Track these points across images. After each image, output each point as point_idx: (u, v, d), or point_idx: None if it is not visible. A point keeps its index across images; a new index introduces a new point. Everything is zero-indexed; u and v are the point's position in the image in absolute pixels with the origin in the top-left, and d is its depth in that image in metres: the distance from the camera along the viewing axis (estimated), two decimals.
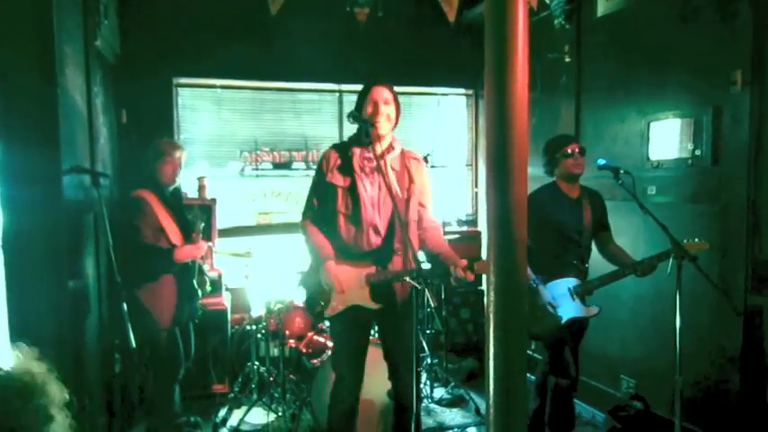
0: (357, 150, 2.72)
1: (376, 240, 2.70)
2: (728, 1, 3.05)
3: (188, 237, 3.26)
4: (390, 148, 2.76)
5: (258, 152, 5.04)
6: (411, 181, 2.76)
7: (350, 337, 2.81)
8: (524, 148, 1.53)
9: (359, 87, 5.14)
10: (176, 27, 4.58)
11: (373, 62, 4.98)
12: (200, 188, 4.61)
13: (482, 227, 5.67)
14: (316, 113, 5.18)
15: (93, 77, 3.54)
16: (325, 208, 2.77)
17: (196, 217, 3.27)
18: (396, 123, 2.76)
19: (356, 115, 2.68)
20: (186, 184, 4.72)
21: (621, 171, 2.81)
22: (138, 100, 4.51)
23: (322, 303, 2.75)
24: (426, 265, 2.75)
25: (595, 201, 3.21)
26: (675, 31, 3.37)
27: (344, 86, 5.19)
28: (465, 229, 5.40)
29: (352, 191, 2.70)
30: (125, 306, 2.84)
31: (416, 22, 5.12)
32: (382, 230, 2.72)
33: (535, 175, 3.11)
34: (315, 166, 5.00)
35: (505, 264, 1.51)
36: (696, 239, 2.81)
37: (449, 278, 2.63)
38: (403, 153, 2.80)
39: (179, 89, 4.83)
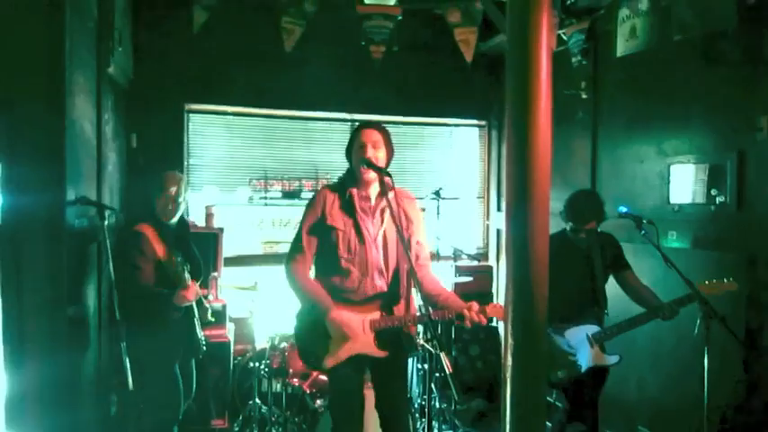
0: (355, 191, 2.61)
1: (380, 285, 2.60)
2: (753, 46, 2.97)
3: (191, 273, 3.17)
4: (386, 188, 2.60)
5: (267, 180, 4.98)
6: (409, 220, 2.66)
7: (350, 389, 2.64)
8: (546, 187, 1.43)
9: (371, 117, 5.18)
10: (190, 53, 4.56)
11: (386, 92, 4.94)
12: (208, 216, 4.54)
13: (493, 260, 5.56)
14: (326, 142, 5.12)
15: (104, 104, 3.51)
16: (325, 252, 2.61)
17: (180, 263, 3.10)
18: (387, 165, 2.63)
19: (347, 156, 2.66)
20: (194, 211, 4.67)
21: (644, 221, 2.71)
22: (149, 125, 4.48)
23: (321, 355, 2.57)
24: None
25: (606, 244, 3.12)
26: (698, 73, 3.30)
27: (356, 116, 5.15)
28: (476, 263, 5.27)
29: (357, 233, 2.57)
30: (124, 345, 2.75)
31: (429, 53, 5.08)
32: (387, 274, 2.61)
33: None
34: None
35: (525, 304, 1.42)
36: (725, 280, 2.68)
37: (462, 322, 2.52)
38: (396, 192, 2.65)
39: (190, 115, 4.79)
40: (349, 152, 2.66)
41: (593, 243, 3.07)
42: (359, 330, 2.54)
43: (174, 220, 3.22)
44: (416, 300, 2.76)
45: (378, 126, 2.64)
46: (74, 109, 2.84)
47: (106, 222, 2.94)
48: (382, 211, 2.61)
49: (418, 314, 2.64)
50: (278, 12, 3.21)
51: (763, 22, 2.79)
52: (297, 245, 2.66)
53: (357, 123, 2.77)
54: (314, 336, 2.59)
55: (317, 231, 2.61)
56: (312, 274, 2.72)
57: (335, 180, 2.76)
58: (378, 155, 2.56)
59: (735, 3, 2.49)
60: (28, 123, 2.61)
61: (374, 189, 2.62)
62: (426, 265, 2.75)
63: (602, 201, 3.06)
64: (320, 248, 2.62)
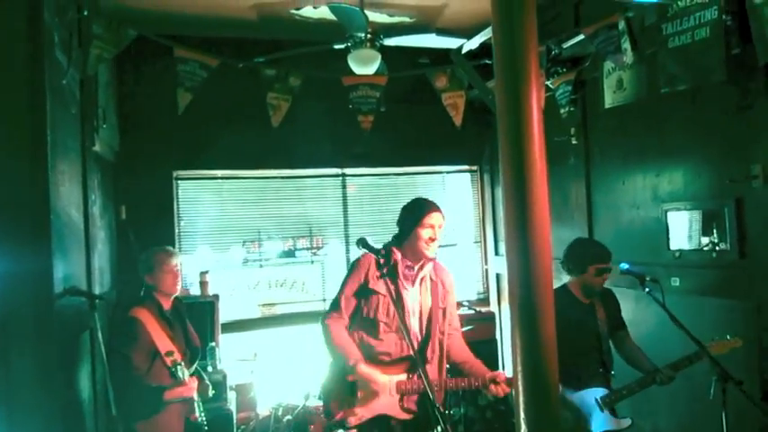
0: (399, 258, 2.69)
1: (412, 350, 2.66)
2: (742, 94, 2.96)
3: (188, 355, 3.07)
4: (427, 260, 2.73)
5: (261, 240, 4.91)
6: (446, 291, 2.78)
7: None
8: (547, 239, 1.37)
9: (363, 170, 5.14)
10: (176, 120, 4.48)
11: (377, 145, 4.91)
12: (203, 284, 4.45)
13: (494, 305, 5.47)
14: (319, 198, 5.08)
15: (91, 184, 3.45)
16: (364, 314, 2.68)
17: (176, 362, 2.99)
18: None
19: (404, 231, 2.70)
20: (188, 279, 4.58)
21: (648, 278, 2.65)
22: (137, 195, 4.44)
23: (344, 410, 2.60)
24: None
25: (608, 300, 3.06)
26: (689, 120, 3.28)
27: (348, 170, 5.12)
28: (476, 311, 5.18)
29: (397, 300, 2.59)
30: None
31: (417, 103, 5.07)
32: (419, 339, 2.69)
33: None
34: (322, 253, 4.90)
35: (536, 381, 1.35)
36: (727, 337, 2.63)
37: (487, 392, 2.59)
38: (435, 265, 2.79)
39: (179, 181, 4.75)
40: (408, 229, 2.69)
41: (597, 298, 2.99)
42: (385, 390, 2.58)
43: (173, 296, 3.17)
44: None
45: (440, 209, 2.75)
46: (58, 199, 2.79)
47: (96, 312, 2.86)
48: (422, 280, 2.72)
49: (445, 380, 2.68)
50: (264, 88, 3.18)
51: (750, 70, 2.78)
52: (335, 303, 2.74)
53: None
54: (341, 392, 2.63)
55: (359, 294, 2.70)
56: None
57: (381, 245, 2.80)
58: (440, 236, 2.70)
59: (722, 54, 2.47)
60: (12, 217, 2.55)
61: (418, 262, 2.72)
62: (456, 334, 2.84)
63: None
64: (359, 310, 2.70)
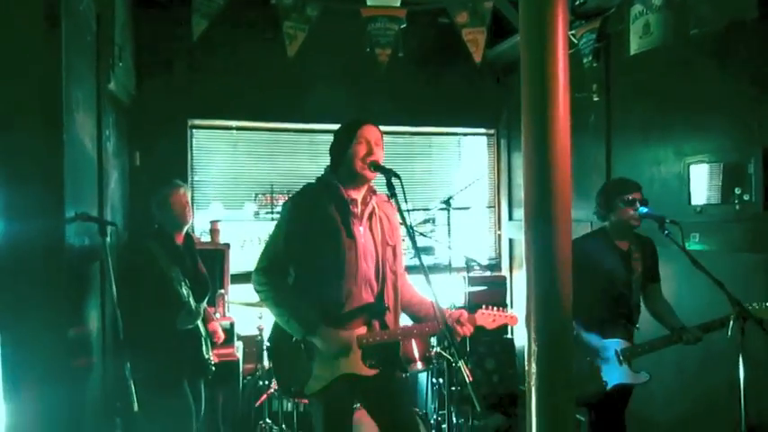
0: (344, 192, 2.36)
1: (368, 296, 2.38)
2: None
3: (198, 290, 3.07)
4: (372, 191, 2.44)
5: (273, 194, 4.89)
6: (392, 227, 2.47)
7: (337, 416, 2.36)
8: (568, 196, 1.37)
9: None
10: (192, 69, 4.52)
11: (393, 103, 4.85)
12: (213, 232, 4.45)
13: (506, 271, 5.42)
14: None
15: (105, 121, 3.44)
16: (309, 261, 2.35)
17: (176, 278, 2.99)
18: None
19: (338, 154, 2.38)
20: (199, 227, 4.59)
21: (667, 221, 2.56)
22: (152, 142, 4.43)
23: (304, 379, 2.33)
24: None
25: (647, 250, 2.94)
26: (715, 68, 3.18)
27: None
28: (489, 274, 5.14)
29: (350, 240, 2.32)
30: (128, 366, 2.65)
31: (436, 62, 5.00)
32: (374, 285, 2.40)
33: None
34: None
35: (549, 323, 1.34)
36: (766, 304, 2.53)
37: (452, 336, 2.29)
38: (377, 197, 2.48)
39: (194, 131, 4.73)
40: (343, 149, 2.37)
41: (634, 246, 2.88)
42: (346, 348, 2.31)
43: (184, 231, 3.16)
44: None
45: (374, 123, 2.44)
46: (73, 125, 2.77)
47: (108, 239, 2.86)
48: (369, 217, 2.41)
49: (403, 328, 2.47)
50: (280, 18, 3.13)
51: None
52: (273, 252, 2.38)
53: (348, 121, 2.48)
54: (293, 358, 2.35)
55: (302, 237, 2.34)
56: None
57: (315, 181, 2.52)
58: (380, 154, 2.35)
59: None
60: (25, 140, 2.53)
61: (361, 193, 2.41)
62: (405, 274, 2.58)
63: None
64: (304, 257, 2.35)
